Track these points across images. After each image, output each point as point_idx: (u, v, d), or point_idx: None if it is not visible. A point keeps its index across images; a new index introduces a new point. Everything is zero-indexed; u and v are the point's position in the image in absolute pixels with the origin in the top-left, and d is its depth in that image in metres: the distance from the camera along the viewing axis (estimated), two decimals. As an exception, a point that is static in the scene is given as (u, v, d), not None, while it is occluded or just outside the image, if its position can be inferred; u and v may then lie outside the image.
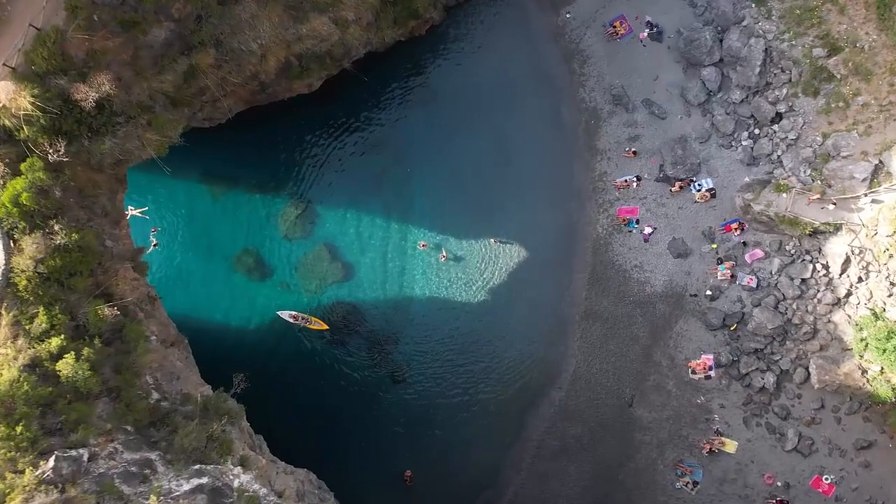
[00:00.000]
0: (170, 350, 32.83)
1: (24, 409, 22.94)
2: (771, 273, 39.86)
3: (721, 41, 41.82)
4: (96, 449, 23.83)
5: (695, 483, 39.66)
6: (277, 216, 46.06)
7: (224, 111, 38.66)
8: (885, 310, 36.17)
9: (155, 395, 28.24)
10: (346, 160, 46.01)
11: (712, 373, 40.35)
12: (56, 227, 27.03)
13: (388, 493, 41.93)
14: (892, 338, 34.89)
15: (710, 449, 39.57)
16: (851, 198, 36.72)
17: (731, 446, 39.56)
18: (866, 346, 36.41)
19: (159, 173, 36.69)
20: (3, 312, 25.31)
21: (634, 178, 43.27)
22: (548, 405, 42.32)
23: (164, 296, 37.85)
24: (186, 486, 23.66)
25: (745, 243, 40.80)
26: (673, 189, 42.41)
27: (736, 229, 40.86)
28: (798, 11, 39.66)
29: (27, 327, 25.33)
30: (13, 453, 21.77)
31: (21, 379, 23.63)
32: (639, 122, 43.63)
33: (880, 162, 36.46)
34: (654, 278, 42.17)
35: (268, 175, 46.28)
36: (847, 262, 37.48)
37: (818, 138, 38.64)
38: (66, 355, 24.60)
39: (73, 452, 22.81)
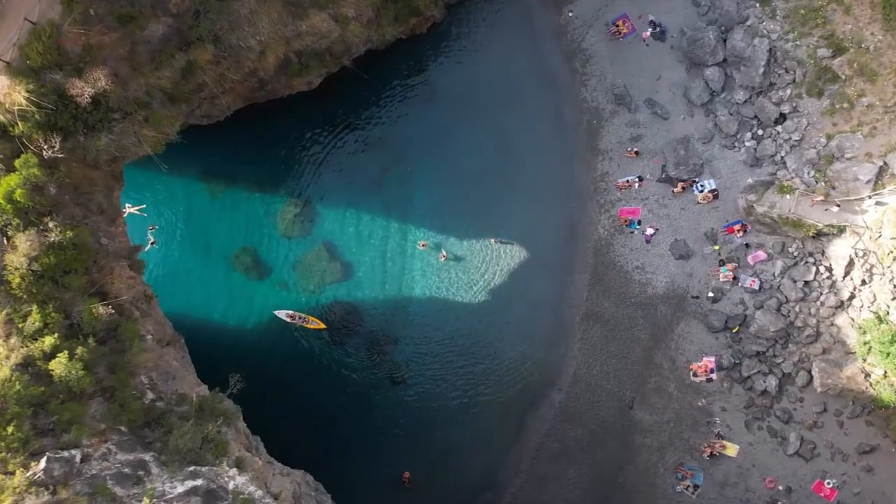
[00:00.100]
0: (166, 349, 32.46)
1: (15, 409, 22.59)
2: (773, 275, 39.54)
3: (725, 41, 41.48)
4: (89, 450, 23.47)
5: (695, 487, 39.35)
6: (276, 215, 45.75)
7: (222, 108, 38.31)
8: (888, 313, 35.84)
9: (150, 395, 27.87)
10: (346, 159, 45.67)
11: (714, 375, 40.06)
12: (51, 225, 26.77)
13: (387, 495, 41.65)
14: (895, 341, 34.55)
15: (711, 452, 39.25)
16: (855, 200, 36.42)
17: (732, 450, 39.26)
18: (869, 349, 36.11)
19: (157, 171, 36.37)
20: (-4, 310, 25.00)
21: (636, 179, 42.94)
22: (547, 407, 42.02)
23: (161, 294, 37.54)
24: (180, 489, 23.30)
25: (747, 245, 40.50)
26: (675, 190, 42.09)
27: (738, 231, 40.56)
28: (803, 11, 39.31)
29: (20, 326, 25.02)
30: (4, 454, 21.43)
31: (13, 378, 23.29)
32: (641, 122, 43.30)
33: (885, 164, 36.14)
34: (656, 280, 41.85)
35: (267, 173, 45.96)
36: (850, 264, 37.17)
37: (822, 139, 38.32)
38: (59, 354, 24.28)
39: (66, 453, 22.45)
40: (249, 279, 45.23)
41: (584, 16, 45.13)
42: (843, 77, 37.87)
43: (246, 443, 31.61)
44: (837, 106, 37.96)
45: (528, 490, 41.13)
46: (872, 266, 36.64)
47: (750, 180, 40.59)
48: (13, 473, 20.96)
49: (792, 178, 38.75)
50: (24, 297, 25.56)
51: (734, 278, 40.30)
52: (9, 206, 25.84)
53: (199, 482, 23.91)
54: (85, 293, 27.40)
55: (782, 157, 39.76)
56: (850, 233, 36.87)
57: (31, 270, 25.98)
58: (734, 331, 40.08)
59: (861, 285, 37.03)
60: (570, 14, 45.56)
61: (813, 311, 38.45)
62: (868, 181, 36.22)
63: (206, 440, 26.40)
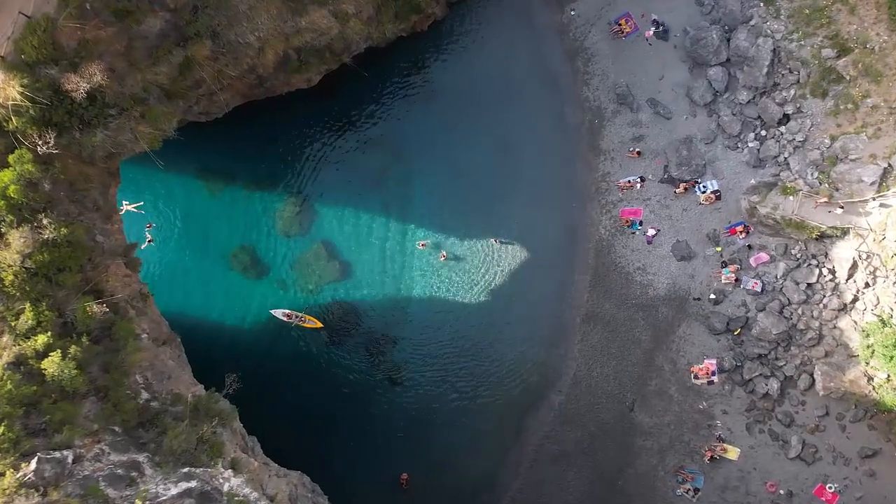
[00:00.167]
0: (161, 349, 32.12)
1: (6, 409, 22.27)
2: (776, 277, 39.23)
3: (728, 40, 41.14)
4: (82, 450, 23.12)
5: (696, 490, 39.04)
6: (275, 213, 45.46)
7: (221, 105, 37.95)
8: (892, 316, 35.51)
9: (144, 395, 27.50)
10: (345, 157, 45.34)
11: (715, 378, 39.77)
12: (45, 221, 26.37)
13: (384, 496, 41.37)
14: (899, 345, 34.24)
15: (712, 456, 38.95)
16: (859, 201, 36.09)
17: (733, 453, 38.98)
18: (873, 352, 35.79)
19: (156, 168, 36.00)
20: (-12, 308, 24.64)
21: (638, 179, 42.60)
22: (547, 409, 41.71)
23: (158, 293, 37.20)
24: (174, 490, 22.95)
25: (750, 246, 40.19)
26: (677, 190, 41.77)
27: (741, 232, 40.26)
28: (807, 11, 38.96)
29: (13, 324, 24.67)
30: (-6, 455, 21.07)
31: (4, 377, 22.98)
32: (643, 122, 42.96)
33: (889, 165, 35.82)
34: (657, 281, 41.53)
35: (265, 171, 45.65)
36: (854, 266, 36.88)
37: (826, 140, 37.98)
38: (52, 353, 23.92)
39: (57, 454, 22.10)
40: (247, 278, 44.92)
41: (587, 14, 44.78)
42: (848, 78, 37.52)
43: (242, 443, 31.25)
44: (842, 107, 37.62)
45: (527, 492, 40.83)
46: (876, 269, 36.31)
47: (753, 181, 40.26)
48: (3, 475, 20.63)
49: (795, 179, 38.41)
50: (17, 294, 25.20)
51: (736, 280, 39.99)
52: (2, 202, 25.45)
53: (193, 484, 23.56)
54: (79, 291, 27.02)
55: (786, 159, 39.42)
56: (854, 235, 36.56)
57: (25, 268, 25.60)
58: (736, 333, 39.76)
59: (864, 288, 36.73)
60: (573, 12, 45.21)
61: (815, 313, 38.14)
62: (872, 183, 35.87)
63: (200, 441, 26.06)
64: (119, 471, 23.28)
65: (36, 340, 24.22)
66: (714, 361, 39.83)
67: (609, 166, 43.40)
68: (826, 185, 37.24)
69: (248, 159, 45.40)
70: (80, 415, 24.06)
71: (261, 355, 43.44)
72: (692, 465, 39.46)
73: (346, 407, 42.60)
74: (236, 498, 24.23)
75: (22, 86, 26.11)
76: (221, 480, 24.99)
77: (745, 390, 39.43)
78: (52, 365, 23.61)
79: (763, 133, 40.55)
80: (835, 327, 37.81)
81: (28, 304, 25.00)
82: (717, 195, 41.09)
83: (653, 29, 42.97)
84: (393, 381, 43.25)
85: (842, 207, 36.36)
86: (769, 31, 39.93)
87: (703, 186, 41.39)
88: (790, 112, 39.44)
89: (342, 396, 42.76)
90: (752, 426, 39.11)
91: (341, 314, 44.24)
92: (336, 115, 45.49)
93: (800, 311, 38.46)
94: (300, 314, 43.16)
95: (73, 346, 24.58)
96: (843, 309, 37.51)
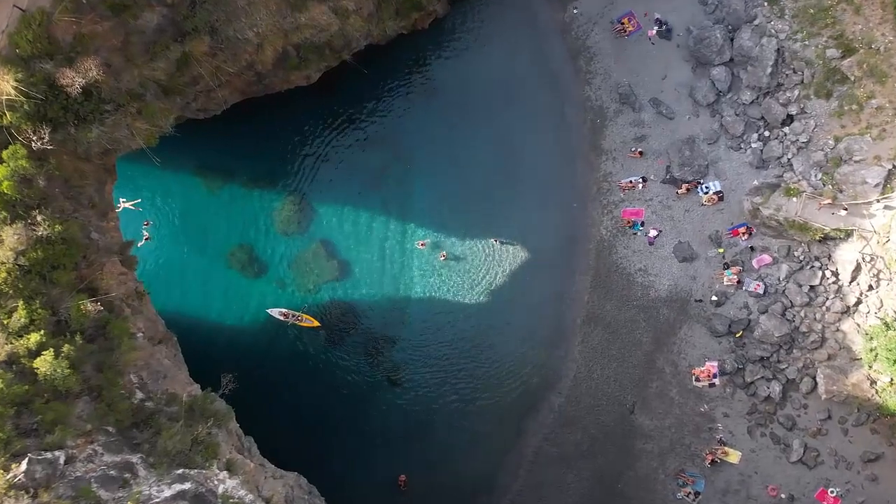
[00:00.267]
0: (157, 348, 31.74)
1: (-3, 409, 21.87)
2: (779, 279, 38.91)
3: (732, 40, 40.75)
4: (74, 451, 22.76)
5: (696, 494, 38.74)
6: (273, 211, 45.10)
7: (219, 102, 37.56)
8: (896, 319, 35.23)
9: (139, 395, 27.14)
10: (345, 155, 44.97)
11: (716, 381, 39.46)
12: (39, 218, 26.01)
13: (382, 498, 41.07)
14: (903, 348, 33.93)
15: (713, 459, 38.63)
16: (863, 203, 35.75)
17: (734, 456, 38.67)
18: (876, 356, 35.48)
19: (154, 165, 35.57)
20: (-20, 306, 24.26)
21: (640, 180, 42.25)
22: (547, 411, 41.39)
23: (155, 291, 36.85)
24: (168, 493, 22.59)
25: (752, 248, 39.85)
26: (679, 191, 41.43)
27: (743, 234, 39.93)
28: (812, 11, 38.58)
29: (5, 322, 24.31)
30: (-16, 455, 20.69)
31: (-4, 376, 22.54)
32: (646, 122, 42.61)
33: (894, 167, 35.46)
34: (659, 282, 41.19)
35: (264, 169, 45.29)
36: (857, 269, 36.58)
37: (830, 142, 37.62)
38: (44, 352, 23.52)
39: (49, 455, 21.74)
40: (245, 276, 44.58)
41: (589, 13, 44.40)
42: (853, 78, 37.15)
43: (238, 444, 30.91)
44: (846, 108, 37.26)
45: (526, 495, 40.52)
46: (880, 271, 36.02)
47: (756, 182, 39.93)
48: (-7, 475, 20.25)
49: (799, 180, 38.09)
50: (10, 292, 24.82)
51: (738, 282, 39.66)
52: (-5, 198, 25.11)
53: (187, 486, 23.22)
54: (73, 289, 26.67)
55: (789, 159, 39.07)
56: (858, 237, 36.25)
57: (18, 265, 25.24)
58: (738, 335, 39.45)
59: (868, 291, 36.43)
60: (575, 11, 44.84)
61: (818, 316, 37.84)
62: (876, 185, 35.53)
63: (195, 442, 25.69)
64: (112, 472, 22.92)
65: (28, 339, 23.85)
66: (715, 364, 39.50)
67: (611, 166, 43.05)
68: (830, 186, 36.90)
69: (247, 157, 45.01)
70: (72, 415, 23.68)
71: (259, 355, 43.10)
72: (693, 469, 39.15)
73: (344, 407, 42.25)
74: (231, 500, 23.90)
75: (16, 80, 25.75)
76: (216, 482, 24.65)
77: (746, 393, 39.11)
78: (44, 364, 23.24)
79: (766, 134, 40.20)
80: (838, 330, 37.48)
81: (21, 302, 24.63)
82: (720, 196, 40.75)
83: (656, 28, 42.60)
84: (392, 381, 42.91)
85: (845, 209, 36.03)
86: (773, 31, 39.57)
87: (706, 187, 41.06)
88: (794, 113, 39.08)
89: (340, 397, 42.41)
90: (753, 429, 38.79)
91: (340, 314, 43.91)
92: (336, 113, 45.11)
93: (802, 314, 38.13)
94: (297, 313, 42.81)
95: (66, 345, 24.19)
96: (847, 312, 37.18)
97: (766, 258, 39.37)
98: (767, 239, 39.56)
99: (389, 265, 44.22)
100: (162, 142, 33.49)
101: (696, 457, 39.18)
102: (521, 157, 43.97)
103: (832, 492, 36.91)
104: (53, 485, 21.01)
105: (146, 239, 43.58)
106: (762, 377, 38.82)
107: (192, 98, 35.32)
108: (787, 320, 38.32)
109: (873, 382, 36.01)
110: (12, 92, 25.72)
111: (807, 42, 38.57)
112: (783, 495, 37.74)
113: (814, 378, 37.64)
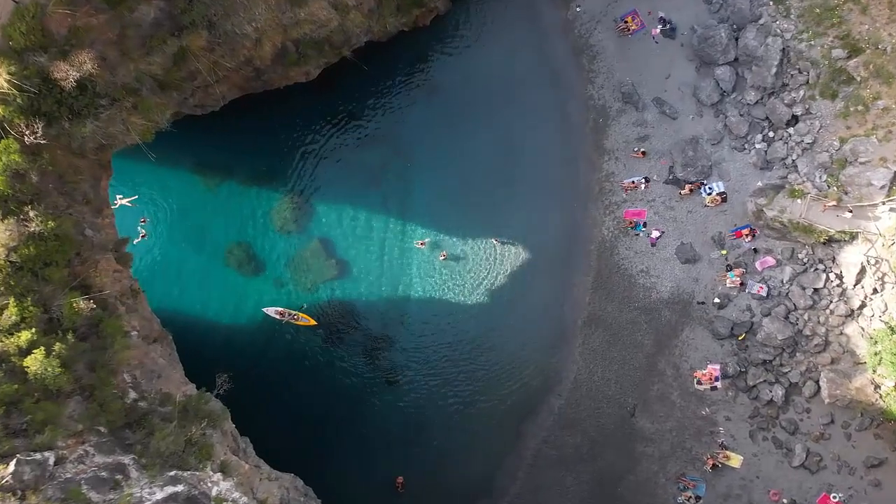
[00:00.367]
0: (152, 346, 31.31)
1: (-15, 408, 21.39)
2: (782, 282, 38.49)
3: (737, 39, 40.34)
4: (64, 452, 22.27)
5: (697, 498, 38.33)
6: (271, 209, 44.69)
7: (217, 98, 37.08)
8: (901, 323, 34.78)
9: (132, 395, 26.68)
10: (344, 153, 44.55)
11: (718, 384, 39.04)
12: (31, 214, 25.55)
13: (379, 500, 40.65)
14: (908, 353, 33.52)
15: (714, 463, 38.22)
16: (868, 205, 35.32)
17: (735, 461, 38.26)
18: (880, 360, 35.06)
19: (151, 162, 35.18)
20: (-30, 303, 23.79)
21: (643, 180, 41.82)
22: (546, 413, 40.95)
23: (151, 289, 36.50)
24: (160, 495, 22.12)
25: (755, 250, 39.43)
26: (682, 192, 41.00)
27: (747, 235, 39.52)
28: (818, 10, 38.14)
29: (-5, 319, 23.78)
30: (-29, 457, 20.22)
31: (-15, 375, 22.09)
32: (649, 122, 42.18)
33: (900, 169, 35.06)
34: (661, 284, 40.77)
35: (263, 166, 44.89)
36: (862, 272, 36.14)
37: (835, 143, 37.21)
38: (35, 350, 23.04)
39: (38, 456, 21.25)
40: (243, 275, 44.15)
41: (592, 11, 43.97)
42: (859, 79, 36.72)
43: (233, 445, 30.45)
44: (852, 108, 36.83)
45: (525, 498, 40.10)
46: (885, 274, 35.58)
47: (760, 183, 39.50)
48: (-21, 477, 19.79)
49: (803, 181, 37.65)
50: (2, 289, 24.33)
51: (741, 284, 39.23)
52: (-13, 193, 24.64)
53: (179, 488, 22.75)
54: (66, 286, 26.18)
55: (793, 161, 38.64)
56: (863, 240, 35.85)
57: (10, 262, 24.78)
58: (740, 338, 39.04)
59: (872, 294, 36.00)
60: (578, 9, 44.40)
61: (822, 319, 37.41)
62: (882, 187, 35.09)
63: (189, 443, 25.24)
64: (103, 473, 22.43)
65: (19, 337, 23.36)
66: (717, 367, 39.08)
67: (613, 166, 42.63)
68: (835, 188, 36.47)
69: (246, 154, 44.58)
70: (63, 415, 23.20)
71: (256, 354, 42.71)
72: (694, 473, 38.73)
73: (341, 408, 41.83)
74: (225, 502, 23.42)
75: (9, 73, 25.28)
76: (210, 484, 24.19)
77: (748, 397, 38.69)
78: (35, 362, 22.75)
79: (771, 134, 39.78)
80: (841, 334, 37.08)
81: (12, 299, 24.12)
82: (723, 197, 40.34)
83: (659, 27, 42.17)
84: (390, 382, 42.50)
85: (850, 211, 35.60)
86: (778, 31, 39.14)
87: (709, 188, 40.64)
88: (799, 113, 38.67)
89: (337, 397, 41.99)
90: (755, 433, 38.37)
91: (338, 313, 43.48)
92: (335, 110, 44.67)
93: (806, 317, 37.71)
94: (293, 312, 42.35)
95: (57, 344, 23.70)
96: (851, 315, 36.77)
97: (770, 260, 38.96)
98: (771, 241, 39.16)
99: (389, 265, 43.79)
100: (159, 138, 33.05)
101: (697, 461, 38.76)
102: (523, 155, 43.54)
103: (835, 497, 36.48)
104: (42, 486, 20.53)
105: (143, 236, 43.16)
106: (765, 381, 38.39)
107: (190, 94, 34.85)
108: (791, 323, 37.91)
109: (877, 387, 35.57)
110: (5, 85, 25.27)
111: (812, 42, 38.14)
112: (785, 500, 37.29)
113: (817, 382, 37.21)
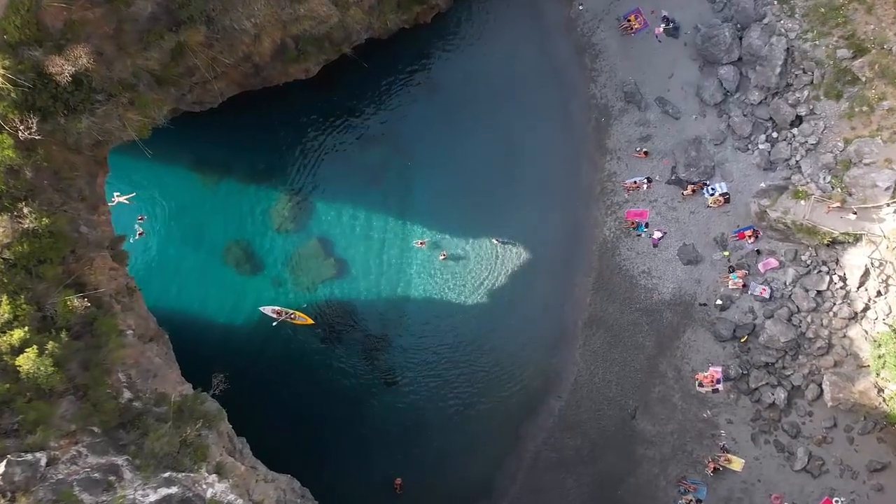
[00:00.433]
0: (147, 346, 30.89)
1: (-24, 408, 21.02)
2: (785, 284, 38.17)
3: (740, 39, 40.00)
4: (56, 452, 21.88)
5: (698, 501, 38.03)
6: (270, 208, 44.35)
7: (215, 94, 36.73)
8: (905, 326, 34.46)
9: (126, 395, 26.26)
10: (344, 151, 44.20)
11: (720, 386, 38.71)
12: (25, 210, 25.10)
13: (377, 501, 40.30)
14: (912, 356, 33.21)
15: (715, 466, 37.89)
16: (873, 207, 35.02)
17: (737, 464, 37.95)
18: (884, 363, 34.73)
19: (149, 159, 34.78)
20: (-38, 300, 23.39)
21: (645, 180, 41.48)
22: (546, 414, 40.61)
23: (147, 287, 36.13)
24: (153, 497, 21.76)
25: (758, 252, 39.11)
26: (685, 192, 40.67)
27: (749, 237, 39.20)
28: (823, 10, 37.81)
29: (-12, 317, 23.38)
30: (-40, 457, 19.84)
31: (-24, 374, 21.71)
32: (651, 122, 41.84)
33: (905, 170, 34.72)
34: (663, 285, 40.44)
35: (261, 164, 44.55)
36: (866, 274, 35.83)
37: (840, 144, 36.88)
38: (28, 349, 22.64)
39: (29, 456, 20.87)
40: (240, 273, 43.79)
41: (595, 9, 43.64)
42: (864, 79, 36.39)
43: (229, 446, 30.06)
44: (856, 109, 36.49)
45: (525, 500, 39.78)
46: (889, 277, 35.28)
47: (763, 184, 39.14)
48: (-31, 478, 19.41)
49: (807, 183, 37.33)
50: (-6, 286, 23.96)
51: (744, 286, 38.89)
52: (-20, 189, 24.25)
53: (173, 490, 22.38)
54: (60, 284, 25.78)
55: (797, 161, 38.31)
56: (867, 241, 35.55)
57: (3, 259, 24.39)
58: (742, 340, 38.70)
59: (876, 296, 35.70)
60: (580, 7, 44.07)
61: (825, 322, 37.08)
62: (887, 188, 34.79)
63: (184, 444, 24.84)
64: (96, 474, 22.05)
65: (12, 335, 22.92)
66: (719, 369, 38.77)
67: (615, 166, 42.29)
68: (839, 189, 36.15)
69: (244, 151, 44.24)
70: (56, 415, 22.80)
71: (253, 353, 42.35)
72: (695, 476, 38.39)
73: (339, 408, 41.46)
74: (219, 505, 23.06)
75: (3, 67, 24.82)
76: (205, 486, 23.81)
77: (750, 399, 38.36)
78: (27, 361, 22.34)
79: (774, 135, 39.44)
80: (845, 336, 36.76)
81: (5, 297, 23.70)
82: (726, 198, 40.02)
83: (663, 25, 41.85)
84: (388, 382, 42.17)
85: (855, 213, 35.32)
86: (783, 30, 38.81)
87: (712, 189, 40.30)
88: (803, 114, 38.33)
89: (335, 398, 41.63)
90: (757, 436, 38.05)
91: (336, 313, 43.13)
92: (335, 108, 44.33)
93: (809, 319, 37.38)
94: (290, 311, 41.98)
95: (50, 342, 23.29)
96: (854, 318, 36.44)
97: (773, 262, 38.63)
98: (774, 242, 38.84)
99: (388, 264, 43.45)
100: (157, 135, 32.72)
101: (699, 464, 38.45)
102: (524, 155, 43.21)
103: (837, 501, 36.19)
104: (33, 488, 20.16)
105: (140, 234, 42.80)
106: (767, 383, 38.06)
107: (188, 90, 34.49)
108: (794, 326, 37.58)
109: (881, 390, 35.24)
110: (-1, 79, 24.86)
111: (817, 42, 37.80)
112: (786, 504, 37.11)
113: (820, 385, 36.91)
